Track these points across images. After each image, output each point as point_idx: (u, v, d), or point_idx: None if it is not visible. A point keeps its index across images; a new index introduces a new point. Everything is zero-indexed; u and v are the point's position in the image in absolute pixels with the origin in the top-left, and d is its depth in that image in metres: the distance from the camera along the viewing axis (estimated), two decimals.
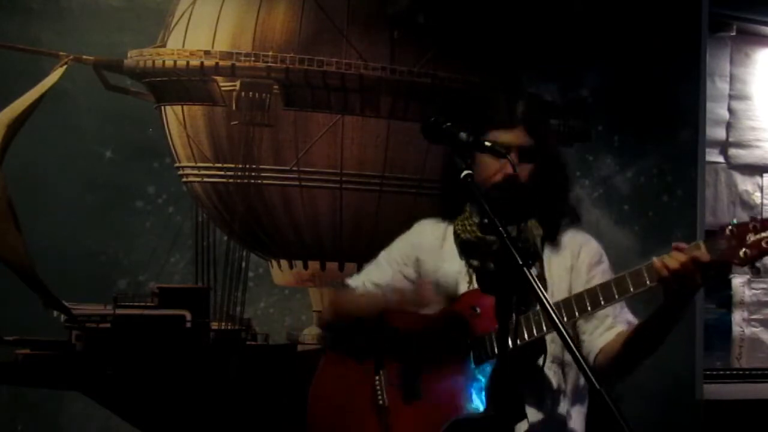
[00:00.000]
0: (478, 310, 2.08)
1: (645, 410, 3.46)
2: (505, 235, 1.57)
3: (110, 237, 2.95)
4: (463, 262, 2.18)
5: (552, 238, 2.17)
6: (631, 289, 1.84)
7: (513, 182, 2.02)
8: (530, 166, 2.09)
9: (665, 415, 3.62)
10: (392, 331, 2.17)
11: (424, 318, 2.14)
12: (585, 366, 1.38)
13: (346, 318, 2.28)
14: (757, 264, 1.77)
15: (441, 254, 2.23)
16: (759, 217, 1.80)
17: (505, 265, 1.57)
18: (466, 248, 2.18)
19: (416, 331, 2.14)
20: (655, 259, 1.78)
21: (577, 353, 1.40)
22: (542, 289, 1.52)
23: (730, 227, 1.77)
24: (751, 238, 1.75)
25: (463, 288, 2.16)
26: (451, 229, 2.23)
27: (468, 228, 2.17)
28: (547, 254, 2.15)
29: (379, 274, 2.31)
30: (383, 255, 2.33)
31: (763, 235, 1.75)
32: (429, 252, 2.25)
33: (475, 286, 2.15)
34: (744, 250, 1.75)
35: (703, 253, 1.76)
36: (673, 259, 1.76)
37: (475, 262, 2.16)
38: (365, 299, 2.26)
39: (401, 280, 2.26)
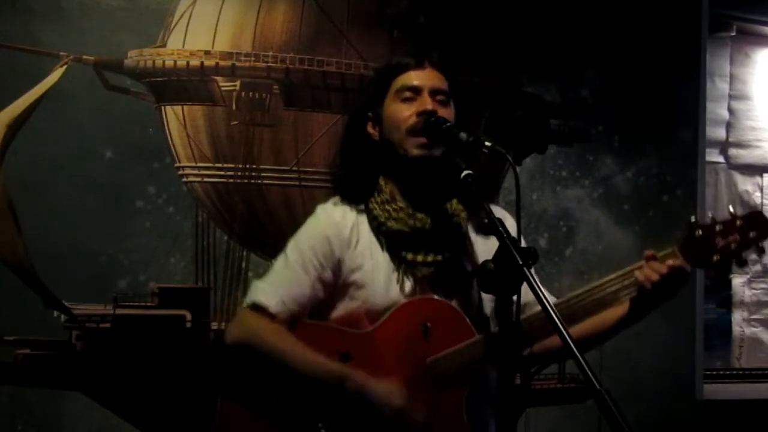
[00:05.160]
0: (429, 324, 1.79)
1: (645, 410, 3.46)
2: (505, 235, 1.55)
3: (110, 237, 2.95)
4: (387, 255, 1.86)
5: (475, 215, 1.90)
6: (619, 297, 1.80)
7: (435, 116, 1.81)
8: (449, 110, 1.87)
9: (665, 415, 3.61)
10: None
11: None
12: (586, 366, 1.36)
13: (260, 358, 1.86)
14: (742, 259, 1.73)
15: (359, 248, 1.87)
16: (721, 217, 1.75)
17: (504, 264, 1.52)
18: (395, 239, 1.86)
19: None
20: (637, 273, 1.76)
21: (579, 354, 1.38)
22: (541, 289, 1.47)
23: (698, 231, 1.74)
24: (720, 242, 1.72)
25: (393, 288, 1.85)
26: (361, 214, 1.89)
27: (394, 214, 1.85)
28: (473, 237, 1.91)
29: (298, 288, 1.87)
30: (295, 259, 1.88)
31: (731, 238, 1.72)
32: (347, 247, 1.87)
33: (408, 284, 1.85)
34: (715, 256, 1.73)
35: (682, 261, 1.73)
36: (655, 272, 1.73)
37: (409, 256, 1.85)
38: (286, 342, 1.84)
39: (319, 290, 1.88)
